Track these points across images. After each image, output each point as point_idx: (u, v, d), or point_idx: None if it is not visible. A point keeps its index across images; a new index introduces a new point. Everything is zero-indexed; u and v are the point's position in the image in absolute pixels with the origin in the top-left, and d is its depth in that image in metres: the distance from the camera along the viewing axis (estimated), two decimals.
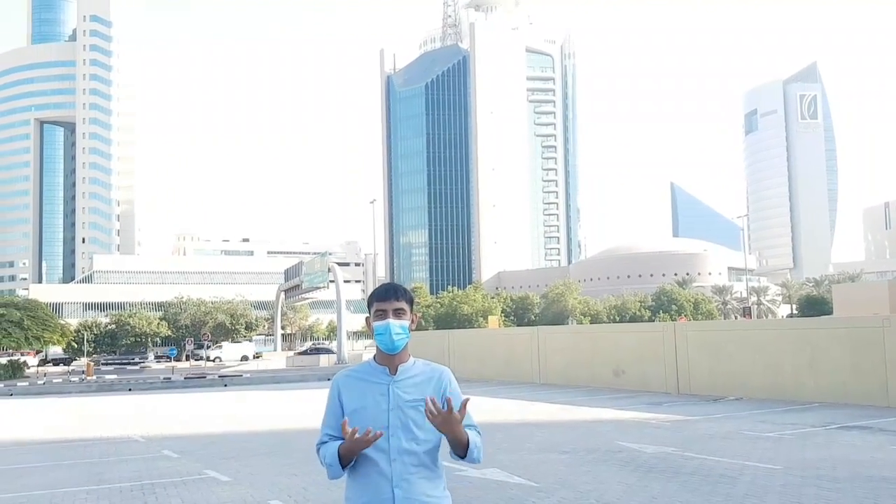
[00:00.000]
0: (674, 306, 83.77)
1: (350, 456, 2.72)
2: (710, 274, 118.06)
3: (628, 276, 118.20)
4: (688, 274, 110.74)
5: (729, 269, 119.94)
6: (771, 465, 8.98)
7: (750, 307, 71.78)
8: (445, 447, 2.81)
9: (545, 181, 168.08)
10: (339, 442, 2.76)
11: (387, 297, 2.86)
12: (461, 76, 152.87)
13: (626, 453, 10.13)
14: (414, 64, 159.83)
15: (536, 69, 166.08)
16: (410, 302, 2.91)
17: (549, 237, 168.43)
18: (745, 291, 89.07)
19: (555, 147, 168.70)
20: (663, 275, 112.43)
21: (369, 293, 3.00)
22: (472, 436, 2.80)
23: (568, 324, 75.97)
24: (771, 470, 8.73)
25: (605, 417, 14.87)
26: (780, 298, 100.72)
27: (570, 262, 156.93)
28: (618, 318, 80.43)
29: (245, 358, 57.92)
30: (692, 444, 10.78)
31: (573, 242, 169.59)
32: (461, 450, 2.76)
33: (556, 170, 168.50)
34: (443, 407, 2.71)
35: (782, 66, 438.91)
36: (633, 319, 77.70)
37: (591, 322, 76.29)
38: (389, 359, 2.85)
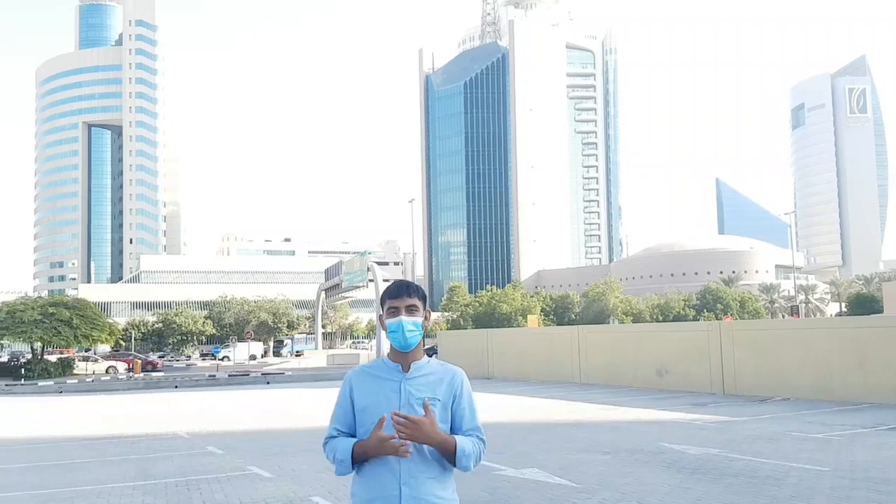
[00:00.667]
0: (719, 305, 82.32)
1: (366, 456, 2.70)
2: (756, 272, 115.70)
3: (672, 275, 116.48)
4: (734, 272, 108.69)
5: (776, 266, 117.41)
6: (819, 467, 8.74)
7: (798, 306, 70.25)
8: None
9: (586, 178, 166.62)
10: (353, 439, 2.75)
11: (399, 295, 2.84)
12: (500, 74, 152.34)
13: (670, 454, 9.97)
14: (452, 63, 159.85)
15: (577, 65, 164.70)
16: (423, 299, 2.89)
17: (590, 235, 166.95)
18: (793, 290, 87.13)
19: (596, 144, 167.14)
20: (708, 273, 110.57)
21: (382, 292, 2.98)
22: (463, 441, 2.73)
23: (609, 323, 75.20)
24: (819, 472, 8.50)
25: (647, 418, 14.66)
26: (828, 297, 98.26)
27: (611, 260, 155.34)
28: (661, 318, 79.35)
29: (253, 357, 58.31)
30: (737, 446, 10.56)
31: (614, 241, 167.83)
32: (449, 456, 2.70)
33: (596, 167, 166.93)
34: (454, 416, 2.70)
35: (830, 60, 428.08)
36: (677, 319, 76.56)
37: (634, 321, 75.39)
38: (403, 356, 2.83)
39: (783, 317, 76.77)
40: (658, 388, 20.68)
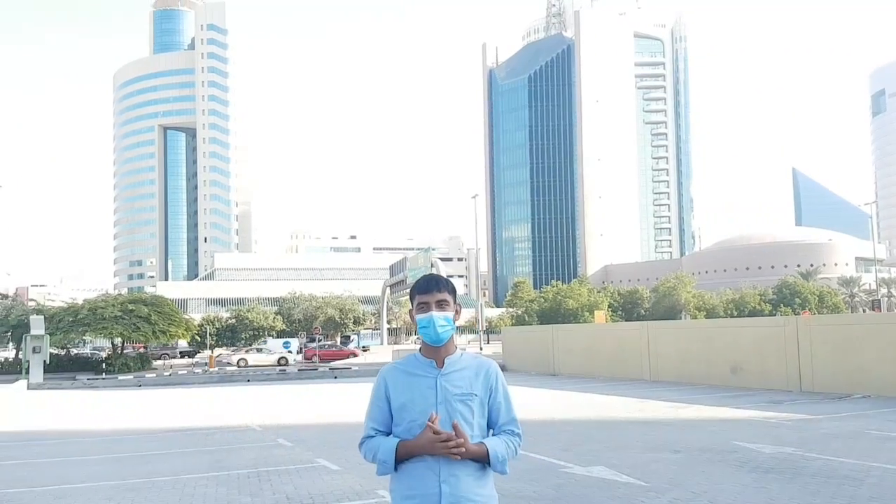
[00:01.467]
0: (797, 300, 79.55)
1: (409, 455, 2.68)
2: (835, 265, 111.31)
3: (747, 269, 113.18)
4: (812, 265, 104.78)
5: (856, 259, 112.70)
6: None
7: (879, 300, 67.09)
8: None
9: (655, 170, 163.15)
10: (395, 439, 2.73)
11: (429, 289, 2.81)
12: (565, 66, 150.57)
13: (743, 453, 9.68)
14: (516, 56, 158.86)
15: (645, 54, 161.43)
16: (453, 293, 2.85)
17: (660, 228, 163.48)
18: (875, 283, 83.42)
19: (665, 134, 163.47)
20: (785, 266, 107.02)
21: (411, 287, 2.96)
22: (496, 446, 2.71)
23: (681, 318, 73.57)
24: None
25: (720, 416, 14.28)
26: None
27: (682, 254, 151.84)
28: (736, 313, 77.17)
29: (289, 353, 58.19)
30: (814, 444, 10.17)
31: (686, 234, 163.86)
32: (484, 461, 2.71)
33: (666, 158, 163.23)
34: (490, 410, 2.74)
35: None
36: (753, 314, 74.31)
37: (707, 317, 73.56)
38: (435, 351, 2.80)
39: (864, 311, 73.58)
40: (731, 386, 20.11)
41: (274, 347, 56.78)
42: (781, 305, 78.40)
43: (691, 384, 21.38)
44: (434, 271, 52.64)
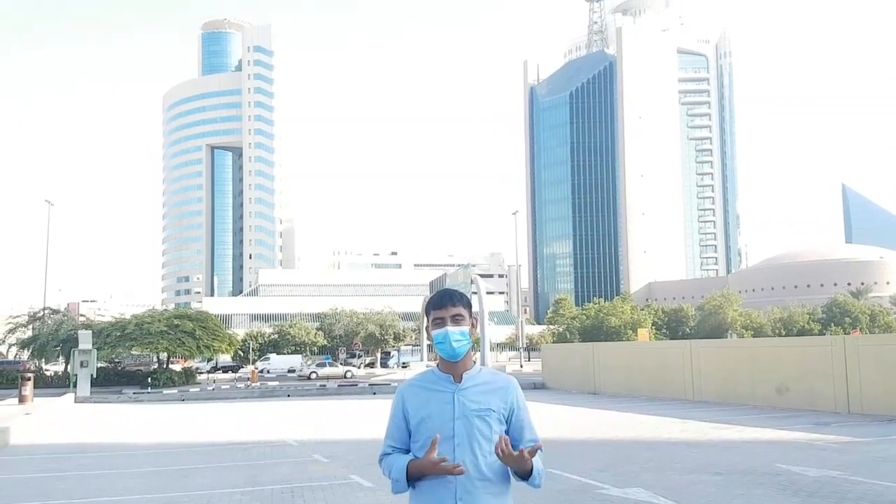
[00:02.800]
0: (847, 319, 77.32)
1: (421, 475, 2.64)
2: (888, 283, 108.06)
3: (795, 287, 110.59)
4: (862, 284, 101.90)
5: None
6: None
7: None
8: None
9: (700, 186, 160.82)
10: (408, 457, 2.70)
11: (443, 304, 2.79)
12: (607, 83, 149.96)
13: (786, 476, 9.39)
14: (558, 73, 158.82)
15: (689, 70, 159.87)
16: (468, 306, 2.82)
17: (706, 245, 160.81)
18: None
19: (710, 150, 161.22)
20: (834, 285, 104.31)
21: (425, 303, 2.93)
22: (537, 462, 2.66)
23: (727, 337, 72.05)
24: None
25: (763, 437, 13.89)
26: None
27: (728, 271, 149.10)
28: (783, 332, 75.36)
29: (292, 370, 58.23)
30: (860, 468, 9.81)
31: (732, 251, 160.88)
32: (524, 475, 2.65)
33: (711, 174, 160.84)
34: (511, 428, 2.67)
35: None
36: (801, 333, 72.47)
37: (754, 336, 71.95)
38: (452, 366, 2.77)
39: None
40: (776, 407, 19.59)
41: (276, 364, 57.04)
42: (831, 325, 76.29)
43: (735, 404, 20.88)
44: (475, 289, 52.56)
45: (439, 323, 2.77)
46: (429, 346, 79.87)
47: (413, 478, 2.67)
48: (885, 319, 78.75)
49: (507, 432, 2.75)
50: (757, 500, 8.02)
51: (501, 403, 2.74)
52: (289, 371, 56.94)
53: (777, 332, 76.12)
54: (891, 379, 17.10)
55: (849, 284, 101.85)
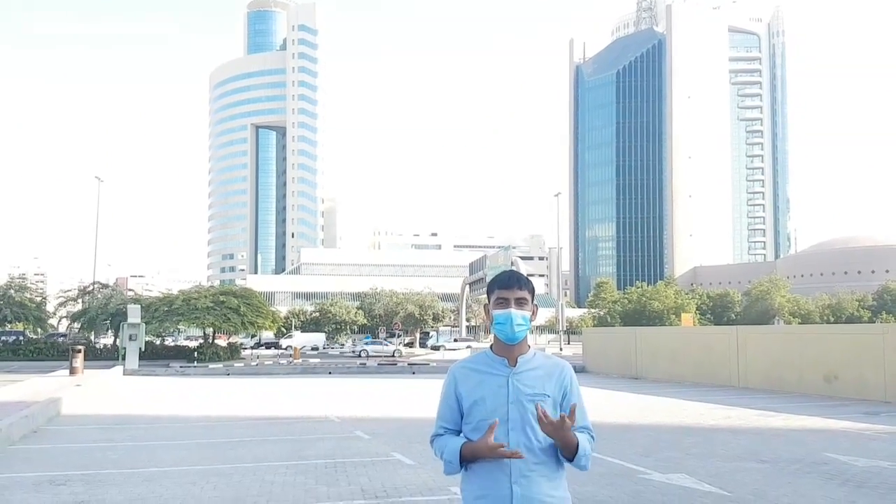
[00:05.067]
0: None
1: (473, 458, 2.63)
2: None
3: (845, 273, 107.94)
4: None
5: None
6: None
7: None
8: None
9: (749, 169, 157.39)
10: (461, 439, 2.69)
11: (509, 285, 2.75)
12: (656, 61, 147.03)
13: (834, 465, 9.18)
14: (604, 52, 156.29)
15: (740, 49, 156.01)
16: (532, 292, 2.77)
17: (754, 230, 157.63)
18: None
19: (761, 132, 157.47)
20: (886, 271, 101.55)
21: (489, 280, 2.89)
22: (583, 441, 2.62)
23: (774, 324, 70.77)
24: None
25: (811, 426, 13.60)
26: None
27: (777, 256, 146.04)
28: (832, 319, 73.73)
29: (315, 348, 58.07)
30: None
31: (781, 235, 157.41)
32: (569, 454, 2.62)
33: (762, 156, 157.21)
34: (564, 412, 2.59)
35: None
36: (851, 320, 70.81)
37: (802, 323, 70.53)
38: (509, 349, 2.73)
39: None
40: (825, 395, 19.18)
41: (300, 342, 57.65)
42: (883, 312, 74.39)
43: (782, 392, 20.50)
44: (514, 268, 52.54)
45: (502, 303, 2.74)
46: (468, 327, 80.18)
47: (466, 460, 2.65)
48: None
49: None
50: (804, 489, 7.87)
51: (556, 388, 2.71)
52: (311, 349, 57.72)
53: (825, 318, 74.50)
54: None
55: None
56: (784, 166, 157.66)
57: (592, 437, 2.76)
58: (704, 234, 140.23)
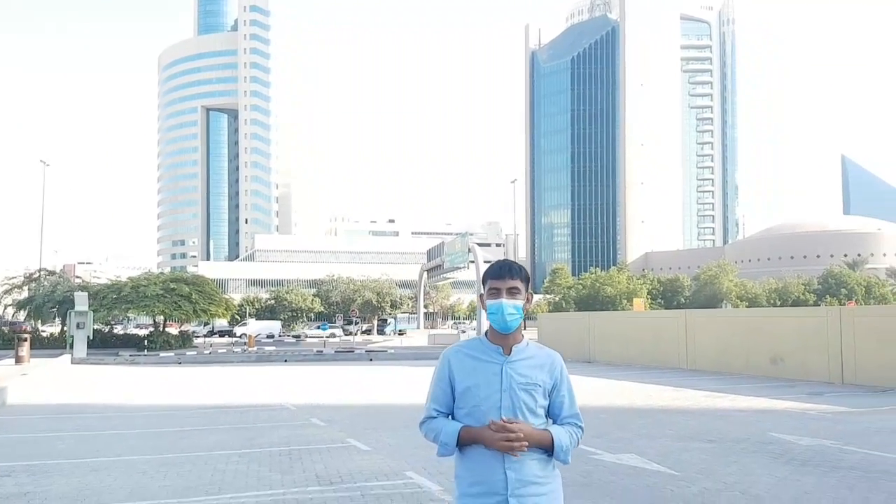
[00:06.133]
0: (843, 290, 77.75)
1: (472, 442, 2.68)
2: (884, 255, 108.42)
3: (791, 258, 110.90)
4: (859, 255, 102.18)
5: None
6: None
7: None
8: None
9: (700, 156, 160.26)
10: (458, 423, 2.72)
11: (502, 275, 2.78)
12: (609, 48, 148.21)
13: (779, 445, 9.47)
14: (559, 38, 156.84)
15: (692, 37, 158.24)
16: (526, 281, 2.81)
17: (704, 216, 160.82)
18: None
19: (711, 119, 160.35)
20: (831, 256, 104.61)
21: (484, 271, 2.92)
22: (560, 437, 2.70)
23: (722, 307, 72.46)
24: None
25: (757, 406, 14.01)
26: None
27: (725, 242, 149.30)
28: (779, 303, 75.78)
29: (271, 336, 57.65)
30: (854, 438, 9.91)
31: (730, 221, 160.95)
32: (547, 449, 2.70)
33: (711, 143, 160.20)
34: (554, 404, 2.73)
35: None
36: (797, 304, 72.90)
37: (749, 306, 72.35)
38: (504, 338, 2.77)
39: None
40: (771, 377, 19.74)
41: (254, 329, 56.89)
42: (827, 296, 76.73)
43: (729, 374, 21.05)
44: (472, 257, 52.56)
45: (495, 293, 2.77)
46: (426, 314, 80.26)
47: (464, 444, 2.70)
48: (881, 291, 79.19)
49: (549, 406, 2.79)
50: (749, 468, 8.10)
51: (547, 378, 2.77)
52: (267, 336, 56.94)
53: (772, 302, 76.55)
54: (885, 350, 17.22)
55: (845, 256, 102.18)
56: (733, 153, 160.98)
57: (581, 426, 2.83)
58: (656, 220, 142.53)
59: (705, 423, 11.86)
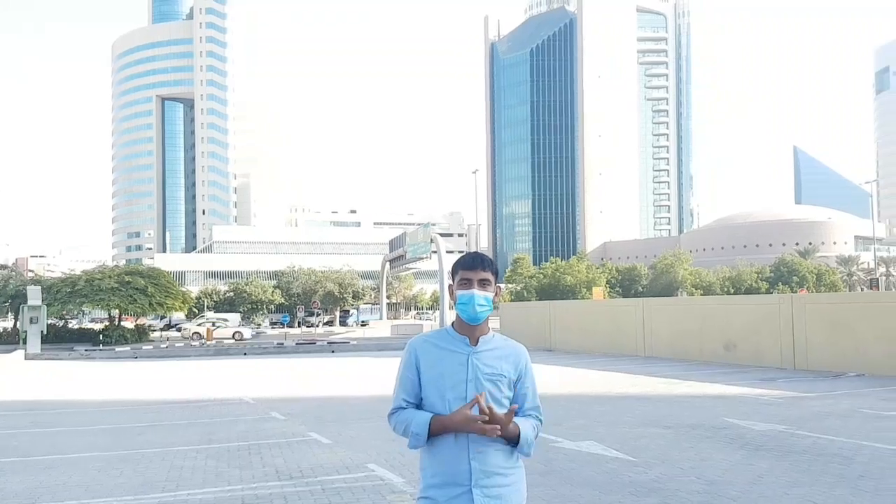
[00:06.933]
0: (794, 278, 79.72)
1: (443, 431, 2.67)
2: (834, 243, 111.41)
3: (745, 247, 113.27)
4: (810, 243, 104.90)
5: (856, 238, 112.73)
6: (891, 446, 8.36)
7: (878, 279, 67.18)
8: None
9: (656, 147, 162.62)
10: (428, 413, 2.71)
11: (473, 267, 2.79)
12: (568, 40, 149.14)
13: (733, 430, 9.70)
14: (519, 30, 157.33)
15: (648, 30, 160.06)
16: (496, 273, 2.83)
17: (659, 206, 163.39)
18: (873, 262, 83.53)
19: (667, 111, 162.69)
20: (783, 244, 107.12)
21: (454, 262, 2.92)
22: (526, 430, 2.72)
23: (677, 296, 73.75)
24: (891, 451, 8.12)
25: (712, 392, 14.32)
26: None
27: (681, 231, 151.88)
28: (732, 291, 77.38)
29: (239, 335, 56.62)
30: (805, 422, 10.19)
31: (685, 211, 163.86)
32: (512, 442, 2.71)
33: (667, 135, 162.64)
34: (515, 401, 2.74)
35: None
36: (750, 292, 74.54)
37: (704, 294, 73.75)
38: (470, 329, 2.78)
39: (861, 290, 73.74)
40: (725, 363, 20.18)
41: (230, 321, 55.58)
42: (779, 284, 78.57)
43: (685, 360, 21.45)
44: (434, 248, 52.49)
45: (465, 284, 2.77)
46: (389, 304, 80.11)
47: (434, 433, 2.69)
48: (831, 278, 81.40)
49: (512, 398, 2.80)
50: (705, 452, 8.28)
51: (512, 369, 2.78)
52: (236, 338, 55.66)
53: (726, 290, 78.13)
54: (835, 336, 17.72)
55: (797, 244, 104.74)
56: (688, 144, 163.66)
57: (540, 419, 2.85)
58: (614, 210, 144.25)
59: (662, 409, 12.08)
